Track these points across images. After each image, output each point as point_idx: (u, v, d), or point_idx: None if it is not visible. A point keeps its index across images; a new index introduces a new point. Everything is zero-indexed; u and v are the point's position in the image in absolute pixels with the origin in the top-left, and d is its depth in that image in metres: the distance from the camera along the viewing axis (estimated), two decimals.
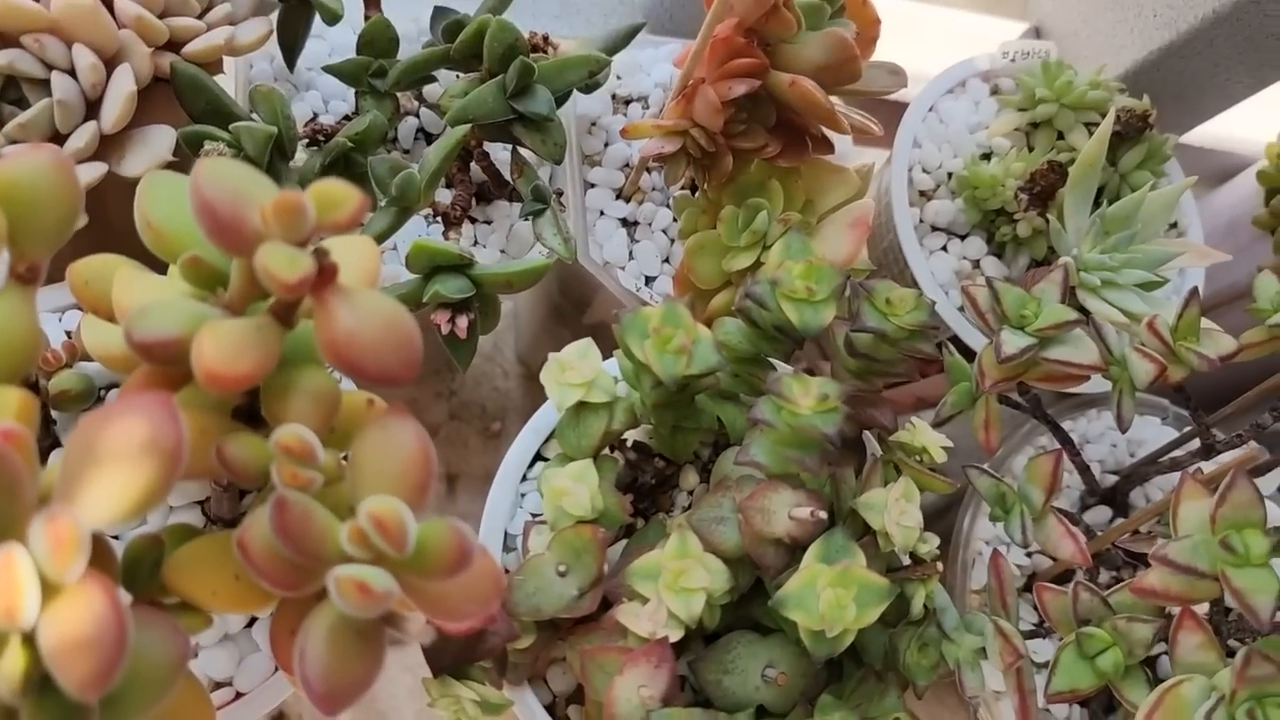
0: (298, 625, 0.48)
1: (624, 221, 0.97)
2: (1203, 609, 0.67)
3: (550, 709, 0.71)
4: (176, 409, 0.42)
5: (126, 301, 0.51)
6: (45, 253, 0.47)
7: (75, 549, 0.37)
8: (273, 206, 0.45)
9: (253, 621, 0.72)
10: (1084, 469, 0.92)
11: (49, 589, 0.38)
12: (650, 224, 0.98)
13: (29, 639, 0.38)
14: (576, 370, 0.67)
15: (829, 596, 0.60)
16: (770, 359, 0.72)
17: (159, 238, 0.56)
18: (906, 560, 0.72)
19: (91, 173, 0.69)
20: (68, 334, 0.74)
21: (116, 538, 0.68)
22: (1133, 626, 0.65)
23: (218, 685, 0.70)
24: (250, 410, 0.55)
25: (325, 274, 0.47)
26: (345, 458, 0.52)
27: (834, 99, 0.80)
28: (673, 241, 0.97)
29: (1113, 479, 1.01)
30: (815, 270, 0.66)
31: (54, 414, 0.71)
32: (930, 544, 0.70)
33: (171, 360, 0.48)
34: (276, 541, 0.44)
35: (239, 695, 0.70)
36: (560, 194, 0.92)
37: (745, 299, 0.67)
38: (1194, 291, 0.77)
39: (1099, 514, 0.98)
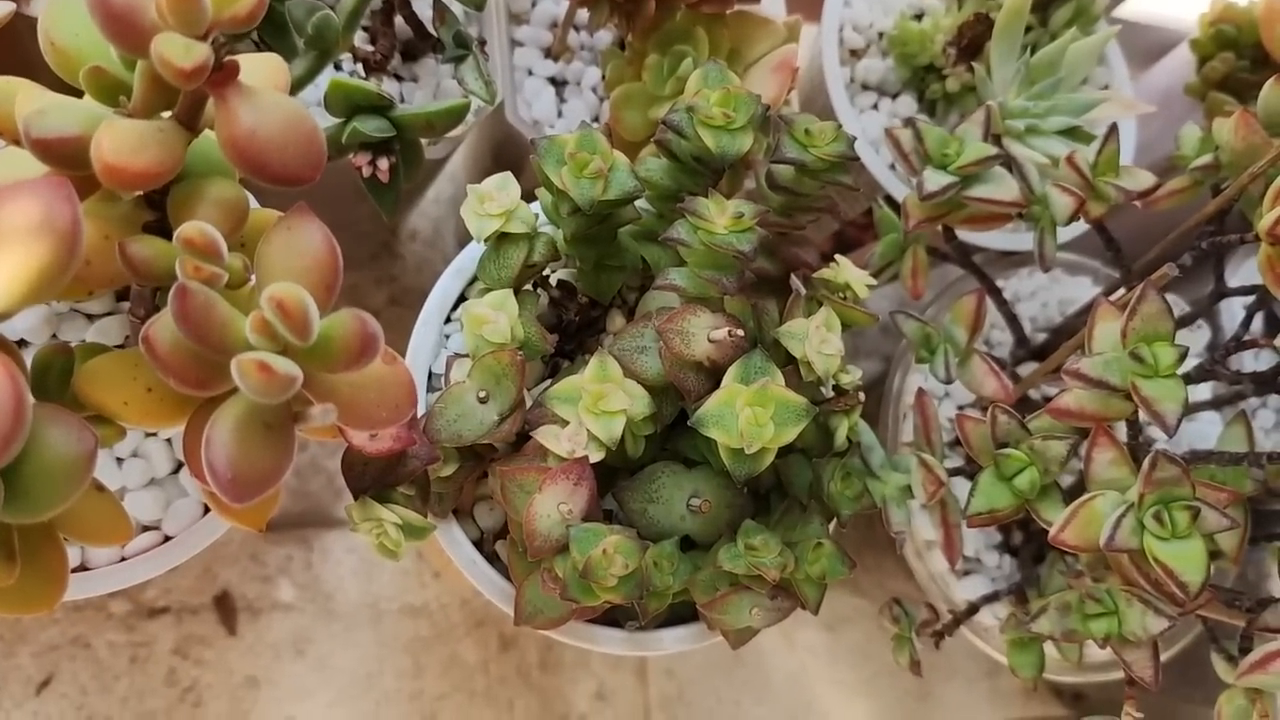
0: None
1: (552, 80, 0.97)
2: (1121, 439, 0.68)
3: (478, 545, 0.72)
4: (71, 190, 0.42)
5: (28, 110, 0.51)
6: None
7: None
8: None
9: (179, 467, 0.72)
10: (1011, 318, 0.93)
11: None
12: (579, 83, 0.97)
13: None
14: (495, 200, 0.66)
15: (747, 415, 0.60)
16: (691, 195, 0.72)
17: (62, 56, 0.55)
18: (830, 394, 0.72)
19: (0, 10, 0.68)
20: None
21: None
22: (1048, 445, 0.66)
23: (146, 528, 0.70)
24: (159, 227, 0.54)
25: (226, 70, 0.47)
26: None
27: None
28: (602, 100, 0.96)
29: (1044, 337, 1.02)
30: (733, 97, 0.66)
31: None
32: (853, 374, 0.70)
33: (71, 160, 0.47)
34: (180, 333, 0.44)
35: (167, 538, 0.70)
36: (484, 43, 0.91)
37: (664, 129, 0.67)
38: (1113, 128, 0.77)
39: (1028, 369, 0.99)
